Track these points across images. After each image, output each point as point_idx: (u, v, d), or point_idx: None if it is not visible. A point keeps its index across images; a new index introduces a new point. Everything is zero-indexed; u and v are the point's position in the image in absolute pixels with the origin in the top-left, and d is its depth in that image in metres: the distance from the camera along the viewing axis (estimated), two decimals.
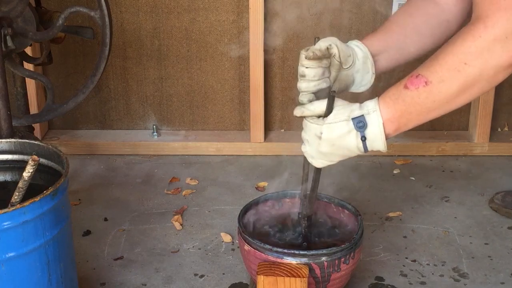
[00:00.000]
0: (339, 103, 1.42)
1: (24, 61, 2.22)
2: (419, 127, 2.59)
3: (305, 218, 1.65)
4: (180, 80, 2.55)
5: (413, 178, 2.35)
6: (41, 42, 2.21)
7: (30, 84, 2.40)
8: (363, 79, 1.55)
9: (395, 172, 2.39)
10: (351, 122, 1.38)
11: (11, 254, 1.33)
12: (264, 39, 2.39)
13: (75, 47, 2.51)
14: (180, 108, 2.59)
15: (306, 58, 1.46)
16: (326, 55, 1.48)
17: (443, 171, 2.40)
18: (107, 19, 2.01)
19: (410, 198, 2.21)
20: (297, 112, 1.45)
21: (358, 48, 1.53)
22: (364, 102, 1.40)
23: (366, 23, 2.45)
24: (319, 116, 1.43)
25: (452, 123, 2.59)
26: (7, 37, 1.97)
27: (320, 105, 1.42)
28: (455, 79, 1.30)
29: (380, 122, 1.37)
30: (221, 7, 2.45)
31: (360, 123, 1.37)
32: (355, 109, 1.39)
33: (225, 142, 2.53)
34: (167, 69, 2.54)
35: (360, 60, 1.52)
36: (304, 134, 1.46)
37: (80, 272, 1.72)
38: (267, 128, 2.55)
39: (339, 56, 1.48)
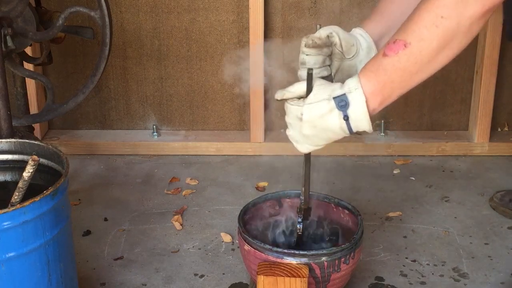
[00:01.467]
0: (319, 83, 1.38)
1: (24, 61, 2.22)
2: (419, 127, 2.60)
3: (301, 211, 1.65)
4: (180, 80, 2.55)
5: (413, 178, 2.34)
6: (41, 42, 2.21)
7: (30, 84, 2.40)
8: None
9: (395, 172, 2.39)
10: (332, 101, 1.34)
11: (11, 254, 1.33)
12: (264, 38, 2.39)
13: (75, 47, 2.51)
14: (180, 108, 2.59)
15: (305, 46, 1.45)
16: (327, 43, 1.46)
17: (443, 171, 2.40)
18: (107, 19, 2.01)
19: (410, 198, 2.21)
20: (278, 95, 1.42)
21: (362, 37, 1.51)
22: (345, 81, 1.36)
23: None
24: (300, 98, 1.39)
25: (452, 123, 2.59)
26: (7, 37, 1.97)
27: (301, 87, 1.39)
28: (434, 34, 1.28)
29: (363, 99, 1.32)
30: (221, 7, 2.45)
31: (342, 102, 1.33)
32: (336, 88, 1.35)
33: (225, 142, 2.53)
34: (167, 69, 2.54)
35: (364, 50, 1.50)
36: (286, 118, 1.41)
37: (80, 272, 1.72)
38: (267, 128, 2.55)
39: (341, 45, 1.47)
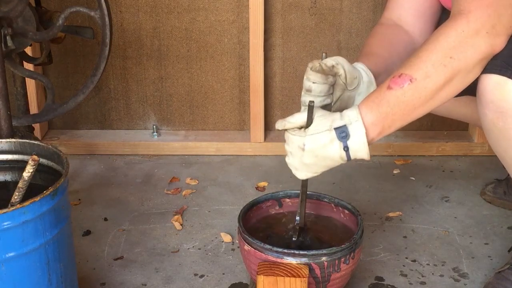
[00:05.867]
0: (319, 114, 1.42)
1: (24, 61, 2.22)
2: (419, 127, 2.60)
3: (296, 231, 1.66)
4: (180, 80, 2.55)
5: (413, 178, 2.35)
6: (41, 42, 2.21)
7: (30, 84, 2.40)
8: None
9: (395, 172, 2.39)
10: (333, 132, 1.38)
11: (11, 254, 1.33)
12: (264, 38, 2.39)
13: (75, 47, 2.51)
14: (180, 108, 2.59)
15: (311, 69, 1.47)
16: (332, 73, 1.48)
17: (443, 171, 2.40)
18: (107, 19, 2.01)
19: (410, 198, 2.21)
20: (279, 125, 1.45)
21: (363, 71, 1.55)
22: (344, 112, 1.40)
23: (366, 22, 2.45)
24: (300, 128, 1.43)
25: (452, 123, 2.59)
26: (7, 37, 1.97)
27: (301, 117, 1.42)
28: (441, 73, 1.34)
29: (363, 131, 1.37)
30: (221, 7, 2.45)
31: (342, 133, 1.38)
32: (336, 119, 1.39)
33: (225, 142, 2.53)
34: (167, 69, 2.54)
35: (365, 83, 1.53)
36: (287, 147, 1.45)
37: (80, 272, 1.72)
38: (267, 128, 2.55)
39: (345, 77, 1.49)
